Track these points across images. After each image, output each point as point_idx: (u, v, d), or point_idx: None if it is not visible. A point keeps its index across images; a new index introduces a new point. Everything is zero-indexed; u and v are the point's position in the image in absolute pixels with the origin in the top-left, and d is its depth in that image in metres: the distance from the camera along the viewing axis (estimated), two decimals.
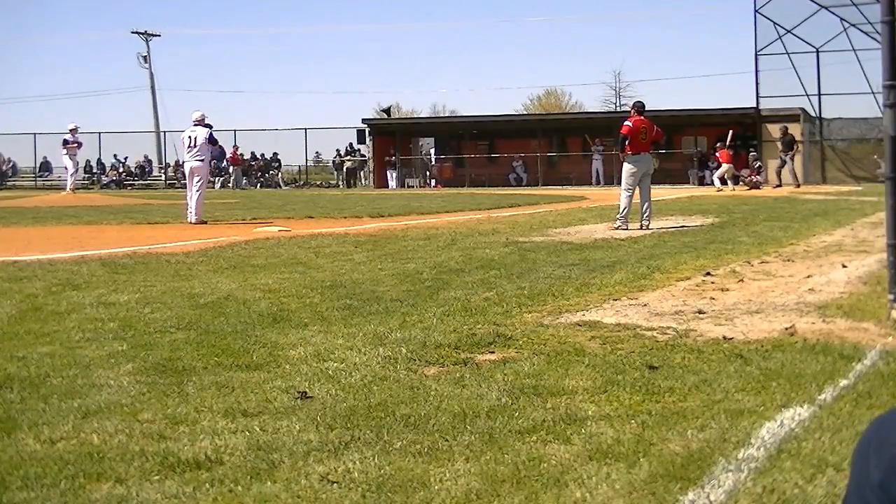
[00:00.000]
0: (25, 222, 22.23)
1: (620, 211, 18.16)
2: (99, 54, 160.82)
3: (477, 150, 55.65)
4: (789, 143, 41.21)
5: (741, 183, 40.05)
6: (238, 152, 56.35)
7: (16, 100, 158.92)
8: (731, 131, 39.01)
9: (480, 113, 69.00)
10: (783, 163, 40.99)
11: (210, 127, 22.36)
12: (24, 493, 4.07)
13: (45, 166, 63.12)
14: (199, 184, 21.80)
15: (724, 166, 39.39)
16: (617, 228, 17.73)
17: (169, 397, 5.56)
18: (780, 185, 39.73)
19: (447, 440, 4.67)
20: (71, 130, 37.76)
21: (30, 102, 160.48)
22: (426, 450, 4.53)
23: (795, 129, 45.84)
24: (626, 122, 18.76)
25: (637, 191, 18.65)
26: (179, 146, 26.33)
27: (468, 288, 9.84)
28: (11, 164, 63.29)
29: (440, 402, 5.35)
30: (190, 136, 21.93)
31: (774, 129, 45.78)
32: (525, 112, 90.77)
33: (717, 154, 40.25)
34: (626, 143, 18.64)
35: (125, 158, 62.57)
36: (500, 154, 54.94)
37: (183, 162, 22.19)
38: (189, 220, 21.29)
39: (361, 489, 4.05)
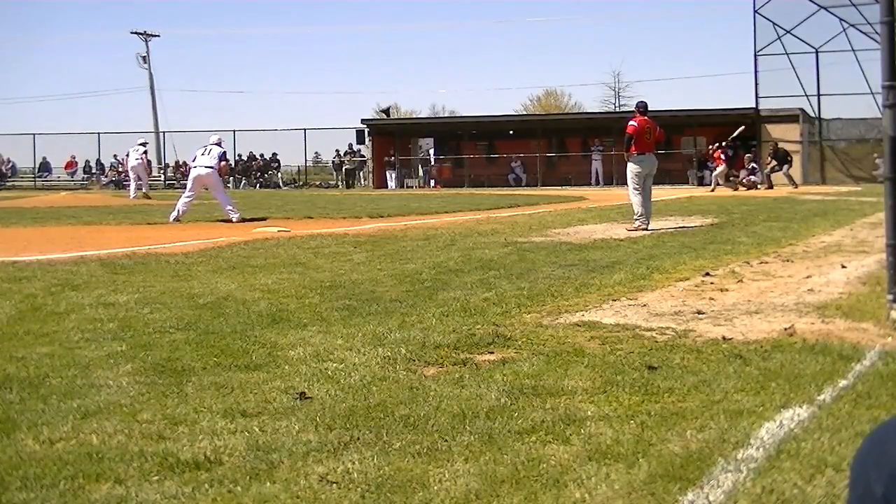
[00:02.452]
0: (25, 223, 22.24)
1: (636, 212, 18.05)
2: (99, 54, 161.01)
3: (476, 150, 55.67)
4: (783, 158, 41.21)
5: (739, 184, 40.10)
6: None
7: (16, 100, 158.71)
8: (741, 128, 38.96)
9: (480, 113, 69.04)
10: (775, 169, 40.96)
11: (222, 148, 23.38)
12: (24, 494, 4.07)
13: (45, 167, 63.17)
14: (219, 188, 22.87)
15: (722, 167, 39.51)
16: (637, 229, 17.54)
17: (168, 398, 5.57)
18: (771, 187, 39.61)
19: (446, 440, 4.67)
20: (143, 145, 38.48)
21: (30, 102, 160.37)
22: (425, 450, 4.53)
23: (794, 131, 45.93)
24: (632, 122, 18.70)
25: None
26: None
27: (467, 288, 9.85)
28: (11, 164, 63.25)
29: (439, 403, 5.35)
30: (206, 147, 22.78)
31: (774, 130, 45.83)
32: (524, 112, 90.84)
33: (715, 155, 40.34)
34: (632, 142, 18.58)
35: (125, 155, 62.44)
36: (499, 154, 54.96)
37: (190, 166, 22.84)
38: (232, 219, 21.71)
39: (361, 489, 4.05)
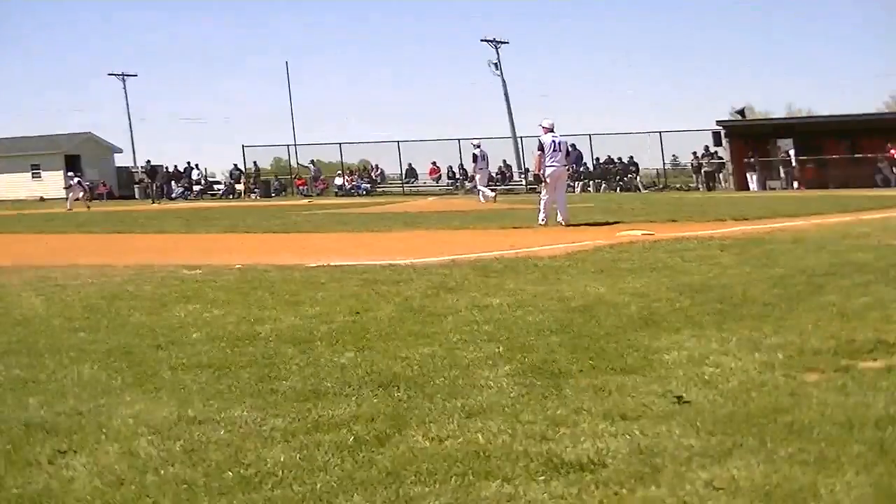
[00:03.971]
0: (398, 227, 23.15)
1: None
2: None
3: (839, 150, 53.55)
4: None
5: None
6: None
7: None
8: None
9: (839, 112, 66.54)
10: None
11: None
12: (418, 488, 4.27)
13: (411, 173, 65.66)
14: (564, 186, 23.63)
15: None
16: None
17: (548, 399, 5.68)
18: None
19: (835, 449, 4.53)
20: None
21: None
22: (813, 459, 4.42)
23: None
24: None
25: None
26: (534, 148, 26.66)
27: (842, 292, 9.47)
28: (380, 171, 66.40)
29: (823, 410, 5.20)
30: (555, 142, 22.65)
31: None
32: (887, 111, 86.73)
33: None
34: None
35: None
36: (863, 154, 52.63)
37: (545, 166, 22.84)
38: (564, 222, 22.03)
39: (748, 497, 3.99)
